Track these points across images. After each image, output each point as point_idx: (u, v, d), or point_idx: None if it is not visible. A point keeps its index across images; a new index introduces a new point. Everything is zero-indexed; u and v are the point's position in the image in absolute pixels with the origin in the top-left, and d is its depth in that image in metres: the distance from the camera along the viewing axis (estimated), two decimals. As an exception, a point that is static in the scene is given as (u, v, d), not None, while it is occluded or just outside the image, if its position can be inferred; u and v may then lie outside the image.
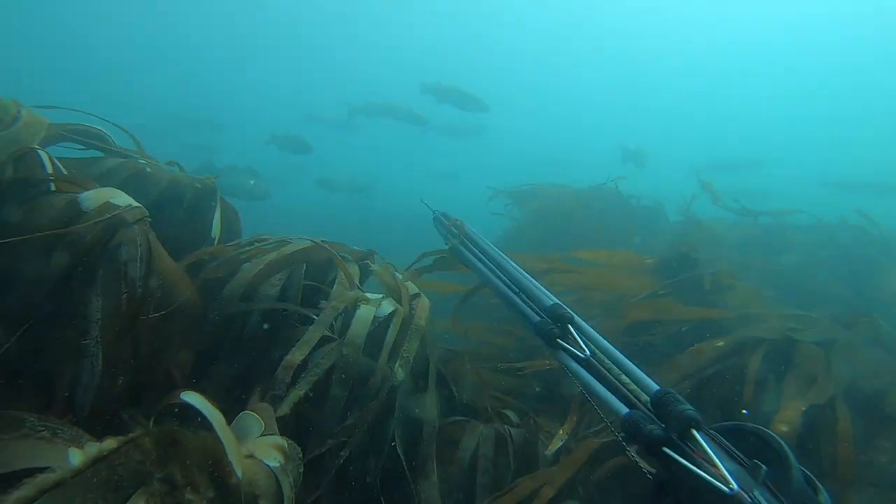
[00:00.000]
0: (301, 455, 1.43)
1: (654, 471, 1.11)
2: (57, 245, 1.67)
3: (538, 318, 1.52)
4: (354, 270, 2.32)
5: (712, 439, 1.04)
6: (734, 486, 0.90)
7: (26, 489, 1.04)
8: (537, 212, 6.17)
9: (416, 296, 2.28)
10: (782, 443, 1.00)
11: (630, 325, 2.88)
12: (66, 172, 1.88)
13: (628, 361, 1.29)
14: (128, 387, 1.80)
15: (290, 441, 1.42)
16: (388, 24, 29.03)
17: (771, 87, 29.76)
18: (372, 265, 2.43)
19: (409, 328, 2.14)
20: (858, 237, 5.30)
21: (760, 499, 0.90)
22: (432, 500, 2.06)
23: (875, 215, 5.48)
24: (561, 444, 2.39)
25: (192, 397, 1.22)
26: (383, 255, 2.67)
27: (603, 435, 2.28)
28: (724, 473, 0.92)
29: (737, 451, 1.02)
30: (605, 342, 1.37)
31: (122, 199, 1.75)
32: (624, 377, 1.26)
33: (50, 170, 1.76)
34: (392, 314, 2.11)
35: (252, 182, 8.02)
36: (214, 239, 2.42)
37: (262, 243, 2.22)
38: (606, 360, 1.33)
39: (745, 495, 0.89)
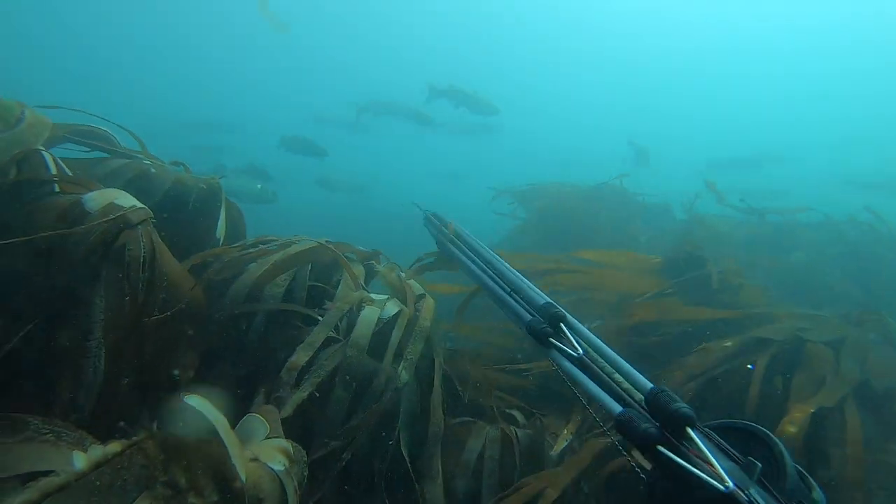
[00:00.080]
0: (306, 458, 1.42)
1: (648, 468, 1.10)
2: (61, 246, 1.67)
3: (530, 317, 1.51)
4: (359, 271, 2.31)
5: (707, 437, 1.03)
6: (729, 483, 0.89)
7: (30, 492, 1.04)
8: (541, 211, 6.15)
9: (421, 296, 2.27)
10: (776, 440, 1.00)
11: (636, 326, 2.85)
12: (70, 173, 1.88)
13: (622, 360, 1.28)
14: (132, 388, 1.80)
15: (294, 444, 1.41)
16: (394, 25, 29.03)
17: (789, 86, 29.49)
18: (377, 265, 2.42)
19: (414, 329, 2.13)
20: (867, 235, 5.25)
21: (756, 496, 0.89)
22: (437, 502, 2.05)
23: (886, 213, 5.42)
24: (566, 444, 2.38)
25: (195, 401, 1.21)
26: (386, 255, 2.66)
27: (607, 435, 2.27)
28: (719, 471, 0.92)
29: (731, 449, 1.01)
30: (599, 341, 1.37)
31: (126, 200, 1.75)
32: (617, 376, 1.25)
33: (54, 171, 1.75)
34: (397, 315, 2.10)
35: (259, 186, 8.03)
36: (219, 239, 2.41)
37: (266, 244, 2.22)
38: (600, 359, 1.32)
39: (741, 493, 0.89)
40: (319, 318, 2.04)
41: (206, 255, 2.10)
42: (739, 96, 30.38)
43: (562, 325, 1.43)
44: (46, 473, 1.09)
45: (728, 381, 2.36)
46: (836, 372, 2.33)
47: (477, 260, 2.07)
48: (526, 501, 2.04)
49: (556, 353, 1.38)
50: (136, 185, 2.19)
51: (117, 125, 2.45)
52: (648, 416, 1.09)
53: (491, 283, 1.83)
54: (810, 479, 0.98)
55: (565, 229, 5.70)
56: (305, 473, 1.43)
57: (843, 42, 26.81)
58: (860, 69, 27.11)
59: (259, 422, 1.45)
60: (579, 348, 1.34)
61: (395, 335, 2.06)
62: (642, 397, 1.15)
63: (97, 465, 1.08)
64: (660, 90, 30.55)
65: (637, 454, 1.12)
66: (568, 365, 1.32)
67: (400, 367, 2.02)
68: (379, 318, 2.04)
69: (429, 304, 2.24)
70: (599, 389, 1.22)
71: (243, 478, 1.19)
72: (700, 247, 3.57)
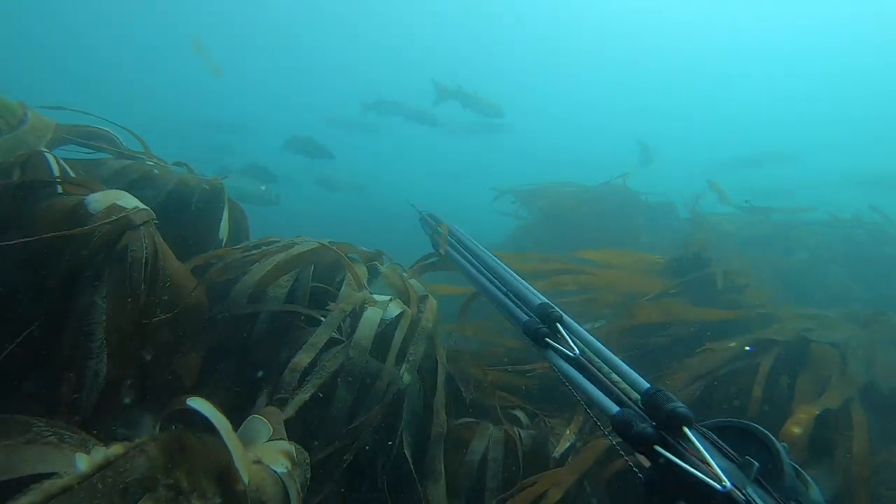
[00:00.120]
0: (308, 460, 1.42)
1: (646, 467, 1.09)
2: (64, 247, 1.67)
3: (527, 318, 1.51)
4: (362, 271, 2.31)
5: (704, 437, 1.03)
6: (727, 482, 0.89)
7: (33, 495, 1.04)
8: (544, 211, 6.14)
9: (424, 297, 2.26)
10: (773, 439, 1.00)
11: (640, 326, 2.84)
12: (73, 174, 1.88)
13: (618, 360, 1.28)
14: (136, 388, 1.80)
15: (297, 446, 1.41)
16: (400, 26, 29.06)
17: (795, 85, 29.31)
18: (380, 266, 2.42)
19: (417, 330, 2.12)
20: (874, 234, 5.22)
21: (753, 495, 0.89)
22: (440, 503, 2.05)
23: (893, 212, 5.39)
24: (568, 444, 2.37)
25: (198, 403, 1.21)
26: (388, 255, 2.66)
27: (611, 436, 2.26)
28: (716, 470, 0.91)
29: (728, 449, 1.01)
30: (595, 341, 1.36)
31: (129, 201, 1.75)
32: (614, 376, 1.25)
33: (57, 172, 1.76)
34: (400, 316, 2.10)
35: (263, 188, 8.03)
36: (222, 240, 2.41)
37: (269, 245, 2.21)
38: (596, 359, 1.32)
39: (738, 492, 0.89)
40: (322, 318, 2.03)
41: (209, 257, 2.10)
42: (744, 95, 30.25)
43: (558, 325, 1.43)
44: (49, 475, 1.10)
45: (732, 381, 2.35)
46: (842, 373, 2.32)
47: (473, 261, 2.06)
48: (529, 502, 2.03)
49: (552, 354, 1.37)
50: (139, 186, 2.19)
51: (120, 126, 2.46)
52: (645, 415, 1.09)
53: (487, 283, 1.83)
54: (807, 477, 0.97)
55: (568, 229, 5.69)
56: (308, 475, 1.43)
57: (847, 41, 26.67)
58: (865, 68, 26.95)
59: (262, 424, 1.45)
60: (576, 348, 1.33)
61: (398, 336, 2.06)
62: (639, 397, 1.15)
63: (100, 468, 1.07)
64: (663, 90, 30.48)
65: (632, 454, 1.11)
66: (564, 365, 1.32)
67: (402, 369, 2.01)
68: (382, 319, 2.03)
69: (432, 304, 2.24)
70: (596, 389, 1.22)
71: (246, 480, 1.18)
72: (705, 246, 3.56)
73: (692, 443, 0.98)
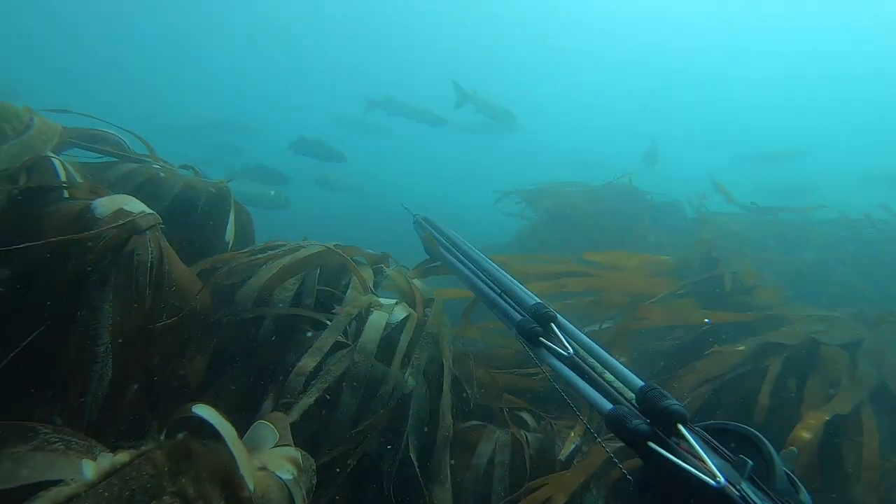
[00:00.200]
0: (314, 466, 1.42)
1: (639, 467, 1.09)
2: (70, 251, 1.67)
3: (520, 318, 1.50)
4: (368, 274, 2.30)
5: (698, 436, 1.02)
6: (721, 479, 0.89)
7: (41, 503, 1.04)
8: (549, 211, 6.11)
9: (429, 300, 2.26)
10: (766, 441, 0.99)
11: (647, 329, 2.82)
12: (79, 178, 1.89)
13: (613, 359, 1.27)
14: (142, 392, 1.81)
15: (303, 452, 1.41)
16: (409, 28, 29.10)
17: (811, 82, 29.05)
18: (386, 269, 2.41)
19: (423, 333, 2.12)
20: (884, 233, 5.16)
21: (748, 491, 0.88)
22: (446, 507, 2.04)
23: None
24: (573, 447, 2.36)
25: (203, 410, 1.21)
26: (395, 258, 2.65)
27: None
28: (710, 467, 0.91)
29: (723, 448, 1.01)
30: (589, 340, 1.36)
31: (135, 205, 1.75)
32: (608, 375, 1.25)
33: (63, 177, 1.76)
34: (405, 319, 2.09)
35: (272, 192, 8.02)
36: (228, 243, 2.42)
37: (275, 249, 2.21)
38: (590, 359, 1.32)
39: (732, 488, 0.88)
40: (328, 322, 2.03)
41: (215, 261, 2.10)
42: (753, 95, 30.04)
43: (552, 325, 1.43)
44: (56, 483, 1.10)
45: (740, 385, 2.33)
46: (852, 375, 2.29)
47: (467, 262, 2.06)
48: (535, 505, 2.02)
49: (546, 353, 1.37)
50: (145, 189, 2.19)
51: (125, 129, 2.46)
52: (639, 413, 1.08)
53: (481, 285, 1.84)
54: (798, 482, 0.97)
55: (573, 229, 5.66)
56: (314, 481, 1.42)
57: (857, 41, 26.39)
58: (876, 68, 26.66)
59: (268, 429, 1.45)
60: (570, 348, 1.33)
61: (404, 340, 2.05)
62: (634, 396, 1.14)
63: (106, 475, 1.08)
64: (670, 90, 30.35)
65: (628, 451, 1.11)
66: (558, 364, 1.32)
67: (407, 373, 2.00)
68: (387, 322, 2.03)
69: (437, 307, 2.23)
70: (590, 388, 1.22)
71: (251, 487, 1.18)
72: (714, 247, 3.53)
73: (687, 440, 0.98)
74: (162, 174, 2.25)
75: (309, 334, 2.09)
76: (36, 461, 1.13)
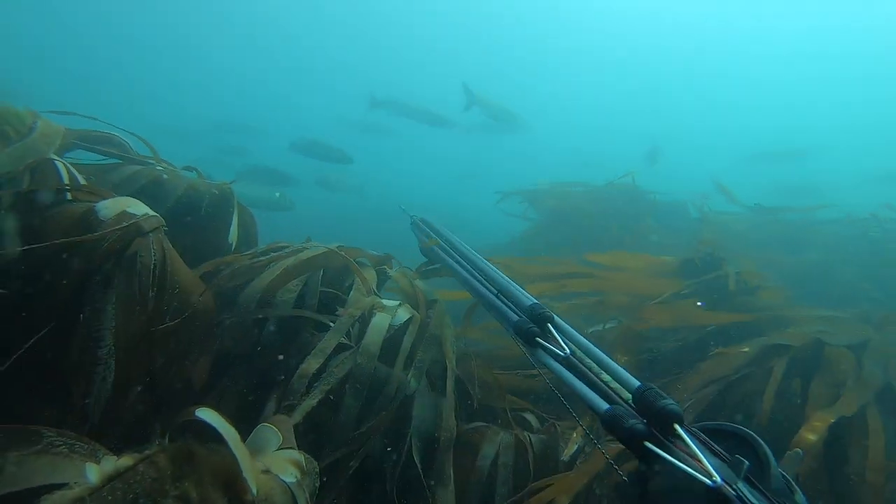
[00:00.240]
0: (317, 469, 1.42)
1: (633, 471, 1.10)
2: (73, 253, 1.68)
3: (517, 318, 1.50)
4: (371, 275, 2.30)
5: (694, 436, 1.02)
6: (717, 478, 0.89)
7: (45, 506, 1.04)
8: (552, 211, 6.10)
9: (432, 301, 2.25)
10: (761, 442, 1.00)
11: (651, 329, 2.81)
12: (83, 181, 1.89)
13: (609, 359, 1.28)
14: (145, 394, 1.81)
15: (306, 455, 1.40)
16: (410, 29, 29.12)
17: (826, 77, 28.87)
18: (389, 270, 2.41)
19: (426, 335, 2.12)
20: (890, 232, 5.14)
21: (744, 491, 0.88)
22: (449, 509, 2.04)
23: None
24: (576, 447, 2.35)
25: (206, 414, 1.21)
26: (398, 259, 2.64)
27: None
28: (707, 466, 0.91)
29: (719, 448, 1.01)
30: (586, 341, 1.37)
31: (138, 207, 1.75)
32: (605, 375, 1.25)
33: (66, 179, 1.76)
34: (409, 321, 2.09)
35: (277, 194, 8.03)
36: (231, 244, 2.42)
37: (278, 252, 2.21)
38: (587, 359, 1.31)
39: (729, 487, 0.88)
40: (331, 324, 2.03)
41: (218, 263, 2.10)
42: (761, 94, 29.89)
43: (549, 325, 1.43)
44: (60, 486, 1.10)
45: (745, 385, 2.32)
46: (858, 376, 2.28)
47: (464, 263, 2.06)
48: (538, 507, 2.02)
49: (542, 353, 1.37)
50: (148, 191, 2.20)
51: (128, 132, 2.46)
52: (636, 413, 1.08)
53: (478, 285, 1.84)
54: (794, 483, 0.97)
55: (576, 230, 5.65)
56: (317, 484, 1.42)
57: (871, 40, 26.22)
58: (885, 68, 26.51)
59: (272, 432, 1.45)
60: (566, 348, 1.33)
61: (407, 341, 2.05)
62: (630, 396, 1.14)
63: (109, 479, 1.08)
64: (675, 91, 30.28)
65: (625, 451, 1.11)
66: (555, 365, 1.32)
67: (409, 375, 2.00)
68: (390, 324, 2.03)
69: (440, 309, 2.23)
70: (586, 388, 1.22)
71: (255, 491, 1.18)
72: (717, 247, 3.51)
73: (683, 440, 0.98)
74: (165, 176, 2.25)
75: (312, 336, 2.09)
76: (40, 465, 1.13)
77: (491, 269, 1.89)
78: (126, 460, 1.13)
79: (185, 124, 18.59)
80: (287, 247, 2.24)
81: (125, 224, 1.68)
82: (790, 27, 27.68)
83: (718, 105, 30.56)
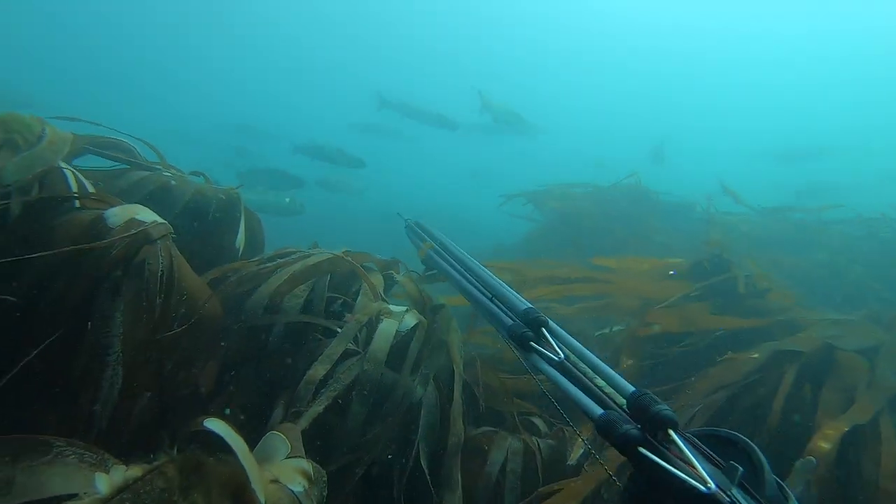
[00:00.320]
0: (325, 478, 1.41)
1: (623, 477, 1.09)
2: (82, 261, 1.68)
3: (511, 322, 1.50)
4: (378, 280, 2.30)
5: (689, 442, 1.02)
6: (711, 484, 0.88)
7: (54, 517, 1.05)
8: (557, 212, 6.08)
9: (439, 306, 2.25)
10: (755, 448, 1.00)
11: (659, 334, 2.79)
12: (91, 188, 1.90)
13: (604, 364, 1.27)
14: (153, 400, 1.81)
15: (314, 464, 1.40)
16: (414, 31, 29.19)
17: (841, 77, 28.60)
18: (396, 276, 2.40)
19: (433, 341, 2.11)
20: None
21: (738, 497, 0.88)
22: (457, 515, 2.03)
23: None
24: (582, 452, 2.34)
25: (215, 424, 1.20)
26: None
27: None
28: (701, 473, 0.90)
29: (713, 454, 1.00)
30: (580, 345, 1.36)
31: (147, 215, 1.76)
32: (599, 380, 1.24)
33: (75, 187, 1.77)
34: (415, 327, 2.08)
35: (287, 200, 8.03)
36: (239, 249, 2.42)
37: (284, 258, 2.21)
38: (581, 364, 1.31)
39: (723, 494, 0.88)
40: (338, 329, 2.03)
41: (226, 270, 2.10)
42: (780, 93, 29.67)
43: (543, 330, 1.42)
44: (70, 496, 1.10)
45: (754, 391, 2.30)
46: (870, 382, 2.25)
47: (459, 267, 2.05)
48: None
49: (536, 358, 1.37)
50: (156, 197, 2.20)
51: (135, 138, 2.47)
52: (630, 418, 1.07)
53: (473, 289, 1.83)
54: (788, 490, 0.96)
55: (580, 231, 5.63)
56: (325, 493, 1.42)
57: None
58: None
59: (280, 440, 1.45)
60: (560, 353, 1.32)
61: (414, 347, 2.05)
62: (624, 401, 1.13)
63: (119, 491, 1.08)
64: (692, 89, 30.16)
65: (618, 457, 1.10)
66: (549, 369, 1.31)
67: (416, 381, 2.00)
68: (397, 330, 2.02)
69: (447, 314, 2.22)
70: (581, 393, 1.21)
71: (262, 501, 1.18)
72: (725, 248, 3.49)
73: (677, 446, 0.97)
74: (173, 182, 2.26)
75: (319, 341, 2.08)
76: (50, 475, 1.14)
77: (485, 273, 1.88)
78: (135, 471, 1.13)
79: (193, 128, 18.72)
80: (294, 252, 2.24)
81: (134, 231, 1.69)
82: (808, 29, 27.52)
83: (733, 106, 30.41)
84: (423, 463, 2.05)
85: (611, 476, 1.16)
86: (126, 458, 1.28)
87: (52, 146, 1.67)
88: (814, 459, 1.70)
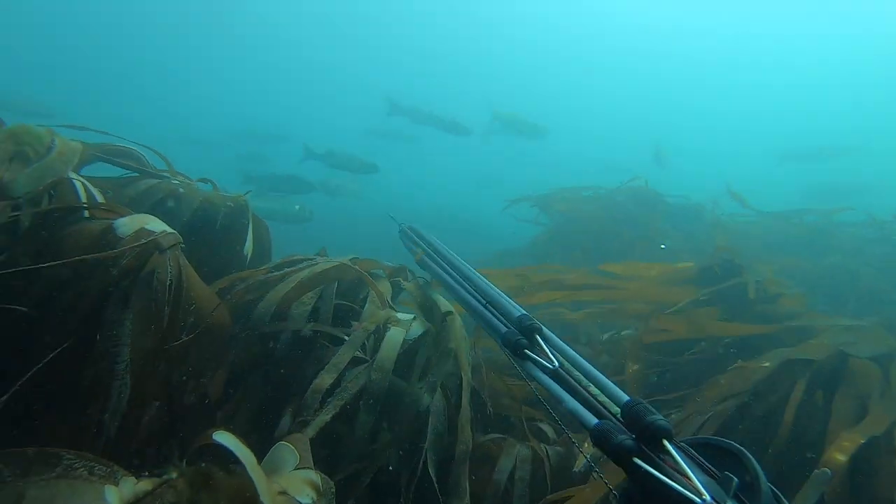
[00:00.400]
0: (334, 489, 1.41)
1: (621, 486, 1.08)
2: (92, 271, 1.69)
3: (505, 329, 1.49)
4: (386, 287, 2.30)
5: (683, 452, 1.00)
6: (706, 496, 0.87)
7: (65, 531, 1.05)
8: (563, 215, 6.06)
9: (447, 313, 2.24)
10: (751, 458, 0.98)
11: (667, 341, 2.76)
12: (100, 197, 1.91)
13: (598, 373, 1.26)
14: (162, 408, 1.82)
15: (322, 475, 1.40)
16: (419, 37, 29.27)
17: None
18: (404, 283, 2.40)
19: (440, 348, 2.10)
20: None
21: None
22: (466, 524, 2.02)
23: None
24: (588, 457, 2.32)
25: (224, 437, 1.21)
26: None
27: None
28: (695, 484, 0.89)
29: (708, 464, 0.98)
30: (574, 353, 1.35)
31: (156, 225, 1.76)
32: (593, 388, 1.23)
33: (84, 197, 1.78)
34: (423, 335, 2.08)
35: (297, 207, 8.04)
36: (247, 257, 2.43)
37: (292, 266, 2.21)
38: (575, 372, 1.29)
39: None
40: (346, 337, 2.03)
41: (234, 279, 2.11)
42: (803, 92, 29.40)
43: (537, 337, 1.41)
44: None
45: (765, 400, 2.27)
46: (884, 390, 2.22)
47: (452, 272, 2.04)
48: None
49: (530, 365, 1.36)
50: (165, 205, 2.22)
51: (144, 146, 2.49)
52: (624, 428, 1.06)
53: (466, 295, 1.81)
54: (784, 500, 0.95)
55: (587, 235, 5.61)
56: (334, 504, 1.42)
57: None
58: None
59: (289, 451, 1.45)
60: (555, 360, 1.31)
61: (422, 355, 2.04)
62: (619, 410, 1.12)
63: (128, 504, 1.08)
64: (709, 91, 30.01)
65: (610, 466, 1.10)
66: (543, 377, 1.30)
67: (423, 389, 1.99)
68: (405, 339, 2.02)
69: (455, 321, 2.21)
70: (575, 401, 1.20)
71: (272, 514, 1.17)
72: (736, 252, 3.45)
73: (672, 456, 0.96)
74: (181, 189, 2.27)
75: (326, 349, 2.08)
76: (60, 489, 1.14)
77: (479, 278, 1.87)
78: (145, 484, 1.14)
79: (204, 133, 18.88)
80: (302, 260, 2.24)
81: (144, 241, 1.70)
82: (816, 29, 27.30)
83: (739, 107, 30.20)
84: (431, 471, 2.05)
85: (611, 490, 1.15)
86: (135, 469, 1.28)
87: (62, 157, 1.69)
88: (829, 471, 1.67)
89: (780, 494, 0.94)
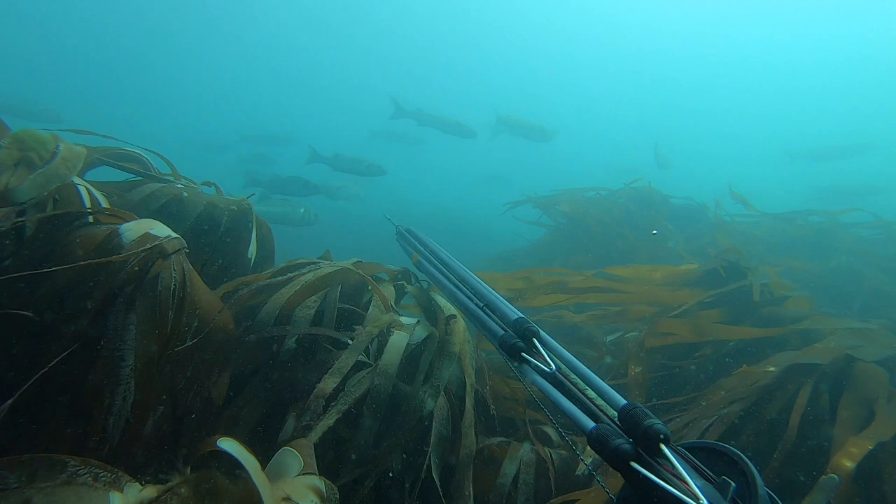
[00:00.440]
0: (337, 495, 1.41)
1: (618, 492, 1.08)
2: (97, 276, 1.70)
3: (502, 332, 1.48)
4: (390, 291, 2.29)
5: (681, 456, 1.01)
6: (704, 501, 0.88)
7: (69, 538, 1.05)
8: (566, 217, 6.04)
9: (451, 317, 2.23)
10: (748, 461, 0.98)
11: (672, 344, 2.75)
12: (104, 202, 1.91)
13: (595, 376, 1.25)
14: (166, 412, 1.82)
15: (326, 481, 1.40)
16: (424, 41, 29.33)
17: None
18: (407, 286, 2.40)
19: (444, 352, 2.10)
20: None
21: None
22: (469, 528, 2.02)
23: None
24: (590, 461, 2.31)
25: (228, 444, 1.21)
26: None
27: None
28: (693, 488, 0.90)
29: (705, 468, 0.99)
30: (572, 357, 1.35)
31: (161, 229, 1.77)
32: (590, 392, 1.22)
33: (88, 202, 1.79)
34: (427, 339, 2.07)
35: (302, 210, 8.06)
36: (251, 260, 2.43)
37: (294, 271, 2.21)
38: (572, 375, 1.29)
39: None
40: (349, 341, 2.02)
41: (237, 284, 2.11)
42: (819, 91, 29.24)
43: (534, 340, 1.41)
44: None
45: (770, 405, 2.25)
46: (891, 395, 2.20)
47: (449, 275, 2.03)
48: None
49: (528, 369, 1.35)
50: (169, 209, 2.22)
51: (148, 150, 2.50)
52: (622, 432, 1.06)
53: (463, 298, 1.81)
54: (780, 502, 0.95)
55: (591, 237, 5.59)
56: (338, 511, 1.41)
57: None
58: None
59: (293, 457, 1.44)
60: (552, 364, 1.31)
61: (425, 359, 2.04)
62: (616, 414, 1.12)
63: (133, 512, 1.08)
64: (719, 91, 29.94)
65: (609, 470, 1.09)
66: (541, 381, 1.30)
67: (427, 393, 1.99)
68: (408, 343, 2.01)
69: (459, 325, 2.21)
70: (572, 405, 1.20)
71: (276, 521, 1.17)
72: (741, 254, 3.44)
73: (669, 460, 0.97)
74: (185, 193, 2.27)
75: (330, 353, 2.08)
76: (65, 496, 1.14)
77: (476, 281, 1.86)
78: (149, 491, 1.14)
79: (209, 137, 18.96)
80: (305, 264, 2.24)
81: (148, 246, 1.70)
82: (823, 30, 27.17)
83: (744, 109, 30.11)
84: (435, 475, 2.04)
85: (611, 496, 1.15)
86: (140, 474, 1.28)
87: (66, 162, 1.69)
88: (836, 477, 1.66)
89: (777, 499, 0.94)
